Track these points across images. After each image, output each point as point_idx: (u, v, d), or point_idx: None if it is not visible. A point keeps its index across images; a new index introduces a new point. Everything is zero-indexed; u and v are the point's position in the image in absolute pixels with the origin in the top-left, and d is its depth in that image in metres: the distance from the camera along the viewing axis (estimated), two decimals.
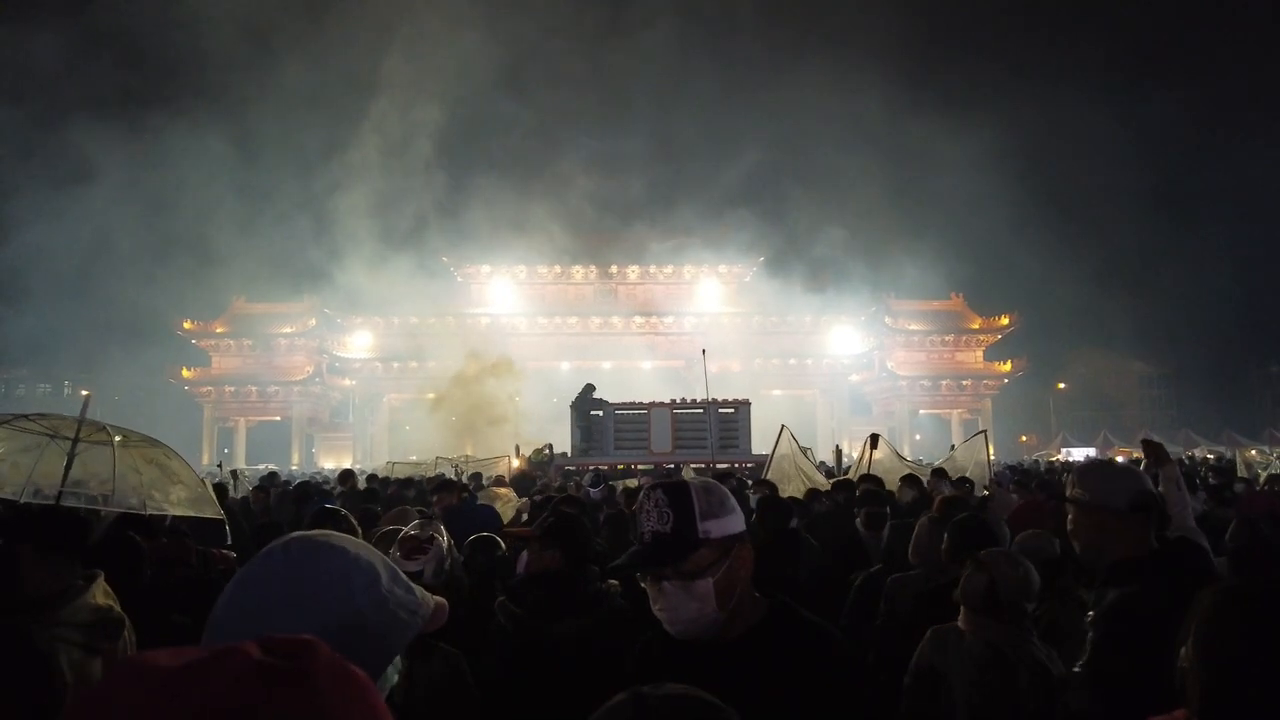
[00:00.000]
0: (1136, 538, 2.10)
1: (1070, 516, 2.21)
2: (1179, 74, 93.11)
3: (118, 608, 2.42)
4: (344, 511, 3.78)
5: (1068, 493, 2.20)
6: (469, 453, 22.67)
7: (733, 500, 1.63)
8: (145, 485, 3.54)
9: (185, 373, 51.96)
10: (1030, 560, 2.80)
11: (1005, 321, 53.28)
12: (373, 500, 8.57)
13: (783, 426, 10.93)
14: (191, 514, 3.80)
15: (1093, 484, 2.16)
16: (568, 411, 19.34)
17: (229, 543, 4.51)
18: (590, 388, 19.25)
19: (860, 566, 4.78)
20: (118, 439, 3.69)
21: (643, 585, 1.60)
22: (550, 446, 18.31)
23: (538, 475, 15.14)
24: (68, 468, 3.43)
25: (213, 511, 3.81)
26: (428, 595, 1.05)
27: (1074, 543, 2.22)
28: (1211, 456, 26.80)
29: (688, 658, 1.54)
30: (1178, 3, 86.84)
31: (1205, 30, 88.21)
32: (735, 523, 1.60)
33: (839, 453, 15.47)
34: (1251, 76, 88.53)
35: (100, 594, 2.40)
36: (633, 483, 10.78)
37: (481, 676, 2.36)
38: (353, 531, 3.43)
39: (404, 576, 1.03)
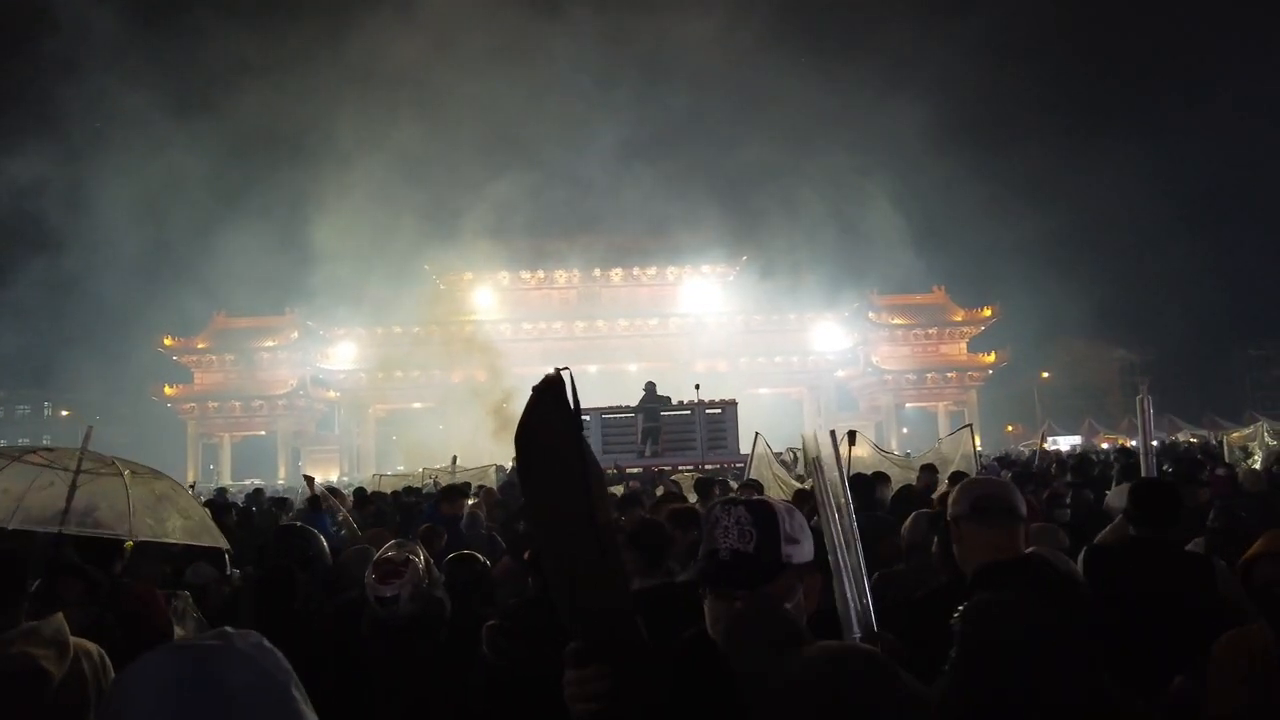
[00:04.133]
0: (1013, 547, 2.17)
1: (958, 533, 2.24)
2: (1158, 64, 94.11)
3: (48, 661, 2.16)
4: (309, 530, 3.71)
5: (953, 511, 2.22)
6: (459, 462, 22.49)
7: (808, 527, 1.57)
8: (140, 513, 3.49)
9: (167, 390, 51.47)
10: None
11: (988, 313, 53.58)
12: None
13: (757, 434, 11.06)
14: (188, 541, 3.75)
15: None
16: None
17: (228, 573, 4.41)
18: (651, 385, 19.02)
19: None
20: (127, 472, 3.68)
21: (704, 602, 1.51)
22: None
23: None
24: (69, 498, 3.39)
25: (210, 540, 3.75)
26: None
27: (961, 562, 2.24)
28: (1195, 440, 27.00)
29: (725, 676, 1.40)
30: None
31: (1182, 22, 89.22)
32: (810, 550, 1.54)
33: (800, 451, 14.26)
34: (1233, 70, 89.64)
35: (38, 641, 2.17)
36: (619, 489, 10.71)
37: (466, 709, 2.28)
38: (317, 549, 3.37)
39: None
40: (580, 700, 1.20)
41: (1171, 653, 2.50)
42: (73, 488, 3.37)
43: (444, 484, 12.16)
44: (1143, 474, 4.10)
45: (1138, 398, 4.09)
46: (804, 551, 1.51)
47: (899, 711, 1.13)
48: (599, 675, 1.18)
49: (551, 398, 1.20)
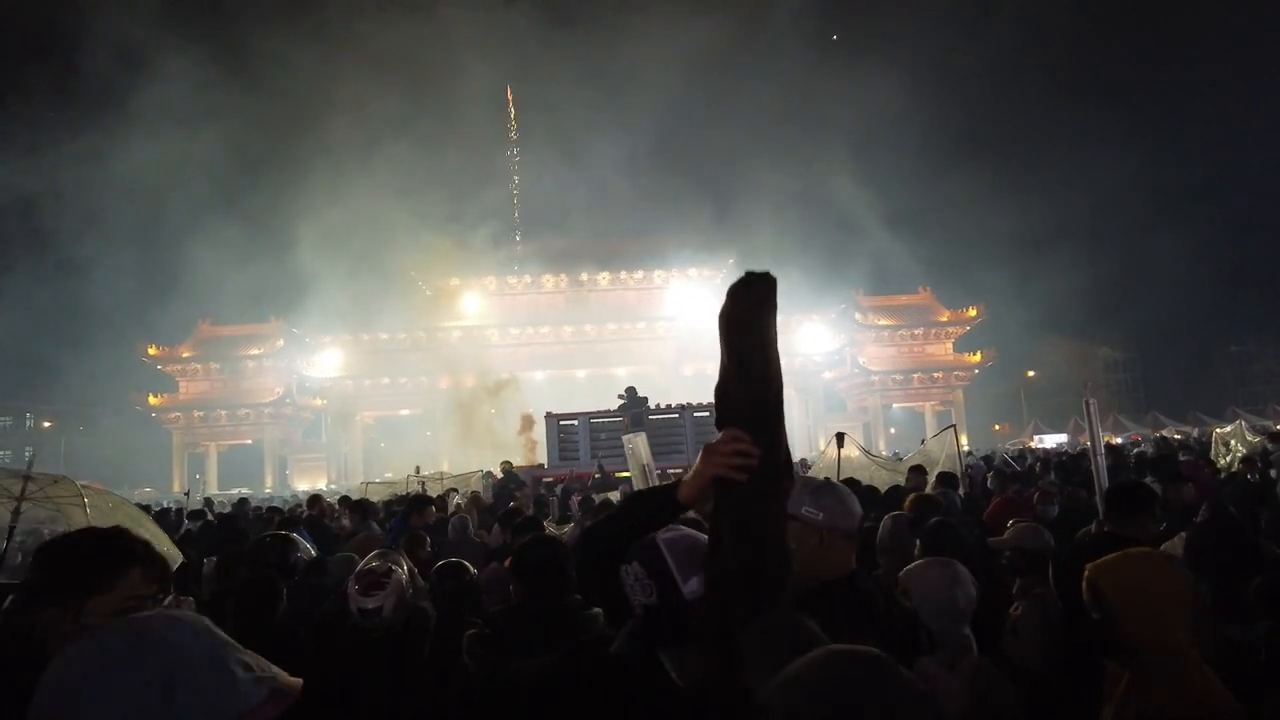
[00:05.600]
0: (845, 561, 2.11)
1: (794, 533, 2.17)
2: (1143, 64, 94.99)
3: None
4: (290, 537, 3.67)
5: (796, 510, 2.15)
6: (445, 469, 22.46)
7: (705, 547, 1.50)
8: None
9: (152, 399, 51.01)
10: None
11: (973, 313, 53.89)
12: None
13: None
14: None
15: (828, 504, 2.15)
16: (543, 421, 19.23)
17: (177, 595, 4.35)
18: (631, 390, 18.84)
19: None
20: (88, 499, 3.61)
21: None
22: (509, 463, 18.14)
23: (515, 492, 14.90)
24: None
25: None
26: (260, 684, 1.00)
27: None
28: (1179, 436, 27.20)
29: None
30: None
31: (1166, 23, 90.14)
32: None
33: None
34: (1218, 72, 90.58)
35: None
36: (614, 496, 10.64)
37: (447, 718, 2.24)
38: (297, 557, 3.32)
39: (231, 664, 0.98)
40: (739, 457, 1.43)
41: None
42: (15, 514, 3.31)
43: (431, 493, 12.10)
44: (1094, 474, 4.13)
45: (1083, 400, 4.12)
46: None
47: (910, 711, 1.11)
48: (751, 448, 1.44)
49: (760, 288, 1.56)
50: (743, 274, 1.63)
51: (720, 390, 1.60)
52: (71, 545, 1.68)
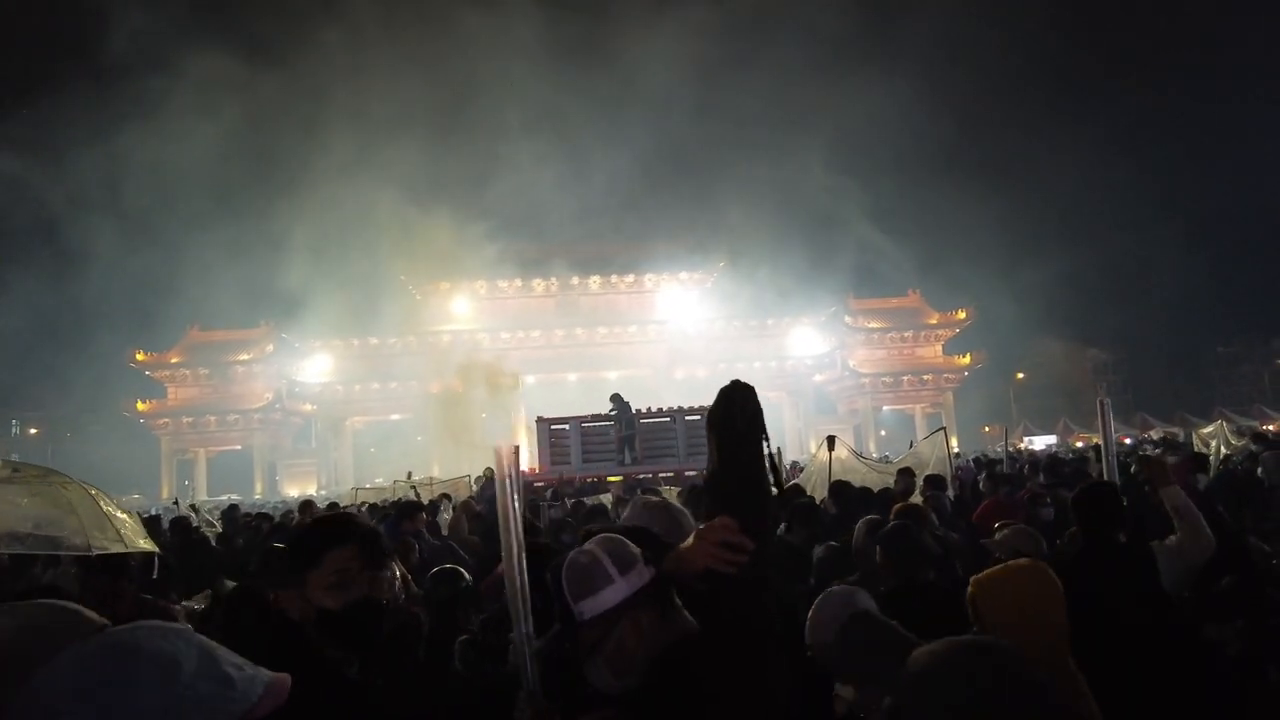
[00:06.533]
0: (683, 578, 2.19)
1: None
2: (1131, 66, 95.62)
3: None
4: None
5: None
6: (435, 474, 22.42)
7: (611, 569, 1.55)
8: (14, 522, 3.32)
9: (140, 405, 50.66)
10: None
11: (962, 315, 54.11)
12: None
13: None
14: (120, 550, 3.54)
15: (661, 523, 2.21)
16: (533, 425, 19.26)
17: (154, 576, 4.29)
18: (617, 396, 18.81)
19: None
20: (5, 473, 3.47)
21: None
22: (491, 470, 18.13)
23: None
24: None
25: (121, 547, 3.53)
26: (255, 681, 1.01)
27: None
28: (1167, 437, 27.36)
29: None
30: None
31: (1157, 26, 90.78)
32: (615, 594, 1.53)
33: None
34: (1204, 71, 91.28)
35: None
36: (607, 498, 10.63)
37: None
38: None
39: (224, 666, 0.99)
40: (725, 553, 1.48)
41: (1112, 645, 2.54)
42: None
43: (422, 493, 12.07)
44: (1105, 476, 4.15)
45: (1098, 399, 4.15)
46: (602, 601, 1.52)
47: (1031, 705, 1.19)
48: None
49: (743, 394, 1.73)
50: (728, 385, 1.82)
51: (712, 480, 1.72)
52: (296, 530, 1.79)
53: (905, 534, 3.52)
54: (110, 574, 3.53)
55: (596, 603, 1.52)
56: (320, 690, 1.63)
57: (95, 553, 3.33)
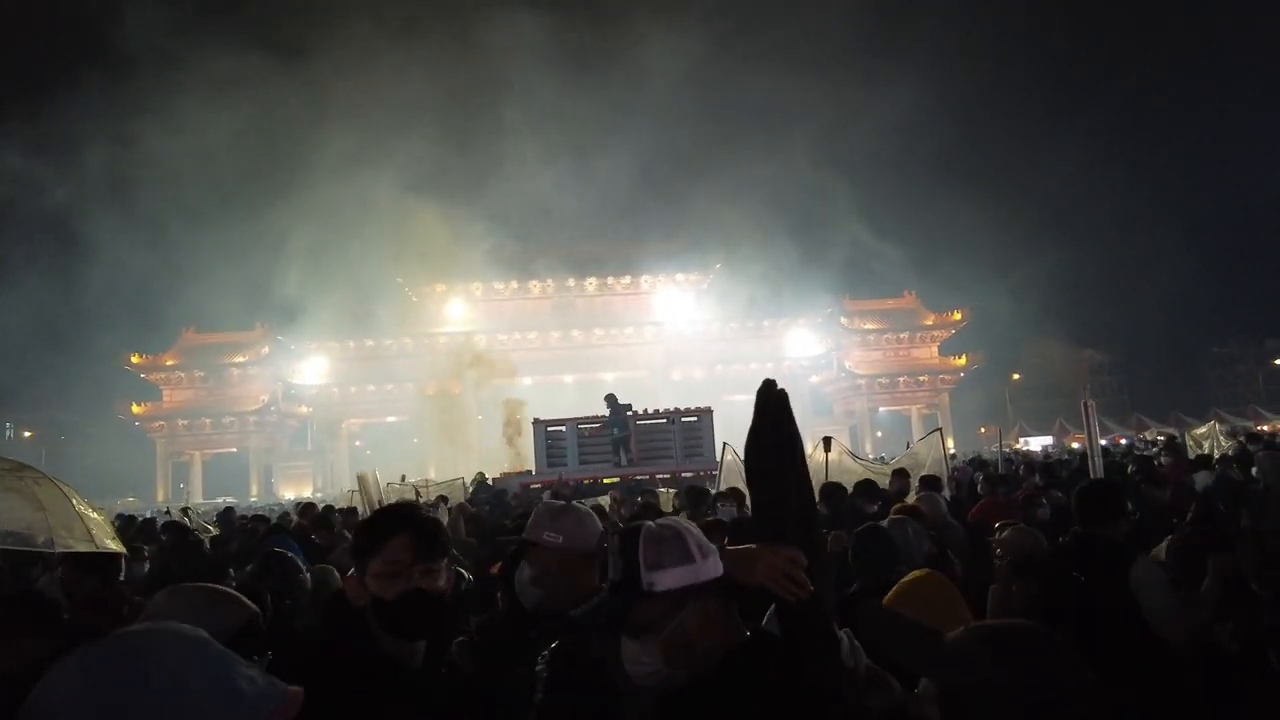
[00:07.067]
0: (590, 582, 2.10)
1: (535, 558, 2.19)
2: (1127, 69, 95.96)
3: None
4: (288, 554, 3.61)
5: (537, 536, 2.18)
6: (431, 475, 22.40)
7: (693, 548, 1.45)
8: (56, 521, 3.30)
9: (135, 408, 50.54)
10: None
11: (958, 316, 54.21)
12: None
13: (725, 444, 11.13)
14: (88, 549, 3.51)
15: (568, 527, 2.18)
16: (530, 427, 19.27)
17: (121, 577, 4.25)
18: (611, 396, 18.80)
19: None
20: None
21: None
22: (483, 474, 18.11)
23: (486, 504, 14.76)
24: None
25: (88, 546, 3.49)
26: (269, 693, 0.99)
27: (538, 586, 2.19)
28: (1162, 438, 27.44)
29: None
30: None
31: (1152, 28, 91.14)
32: (692, 574, 1.43)
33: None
34: (1199, 74, 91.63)
35: None
36: (605, 500, 10.61)
37: None
38: (294, 571, 3.30)
39: (237, 679, 0.97)
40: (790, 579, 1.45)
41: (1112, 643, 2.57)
42: None
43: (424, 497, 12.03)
44: (1091, 475, 4.19)
45: (1083, 401, 4.19)
46: (678, 577, 1.41)
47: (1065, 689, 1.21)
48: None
49: (777, 403, 1.68)
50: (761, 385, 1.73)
51: (767, 499, 1.69)
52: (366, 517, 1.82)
53: (878, 534, 3.57)
54: (101, 575, 3.51)
55: (671, 576, 1.41)
56: (371, 676, 1.64)
57: (59, 550, 3.30)
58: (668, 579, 1.40)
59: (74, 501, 3.37)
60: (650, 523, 1.52)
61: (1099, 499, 3.51)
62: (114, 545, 3.49)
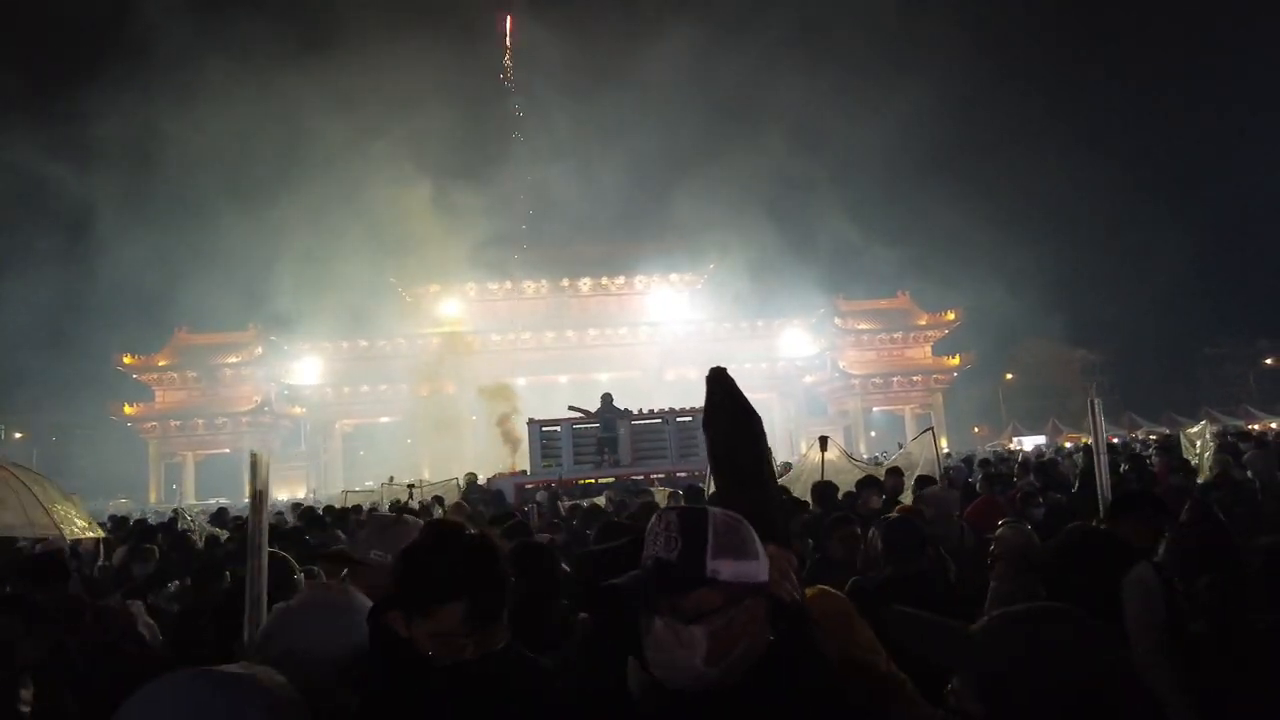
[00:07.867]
0: None
1: (360, 577, 2.12)
2: (1118, 70, 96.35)
3: None
4: (281, 555, 3.58)
5: (365, 555, 2.07)
6: (425, 476, 22.35)
7: (757, 545, 1.37)
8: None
9: (127, 409, 50.32)
10: None
11: (951, 317, 54.33)
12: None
13: None
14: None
15: (394, 543, 2.09)
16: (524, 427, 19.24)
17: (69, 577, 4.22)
18: (608, 396, 18.77)
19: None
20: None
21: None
22: (474, 475, 18.09)
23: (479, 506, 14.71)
24: None
25: (55, 533, 3.49)
26: None
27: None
28: (1155, 438, 27.56)
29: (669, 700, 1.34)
30: None
31: (1144, 28, 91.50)
32: (756, 571, 1.35)
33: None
34: (1191, 75, 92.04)
35: None
36: (600, 500, 10.59)
37: None
38: (289, 572, 3.28)
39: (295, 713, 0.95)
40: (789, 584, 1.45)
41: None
42: None
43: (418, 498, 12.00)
44: (1097, 474, 4.19)
45: (1089, 399, 4.18)
46: (744, 571, 1.33)
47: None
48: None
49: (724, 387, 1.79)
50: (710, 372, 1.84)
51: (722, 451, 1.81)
52: (408, 555, 1.53)
53: (908, 525, 3.70)
54: (55, 579, 3.47)
55: (739, 569, 1.32)
56: (416, 703, 1.49)
57: (22, 539, 3.31)
58: (735, 570, 1.32)
59: (44, 489, 3.37)
60: (715, 509, 1.41)
61: (1135, 503, 3.70)
62: (90, 533, 3.50)
